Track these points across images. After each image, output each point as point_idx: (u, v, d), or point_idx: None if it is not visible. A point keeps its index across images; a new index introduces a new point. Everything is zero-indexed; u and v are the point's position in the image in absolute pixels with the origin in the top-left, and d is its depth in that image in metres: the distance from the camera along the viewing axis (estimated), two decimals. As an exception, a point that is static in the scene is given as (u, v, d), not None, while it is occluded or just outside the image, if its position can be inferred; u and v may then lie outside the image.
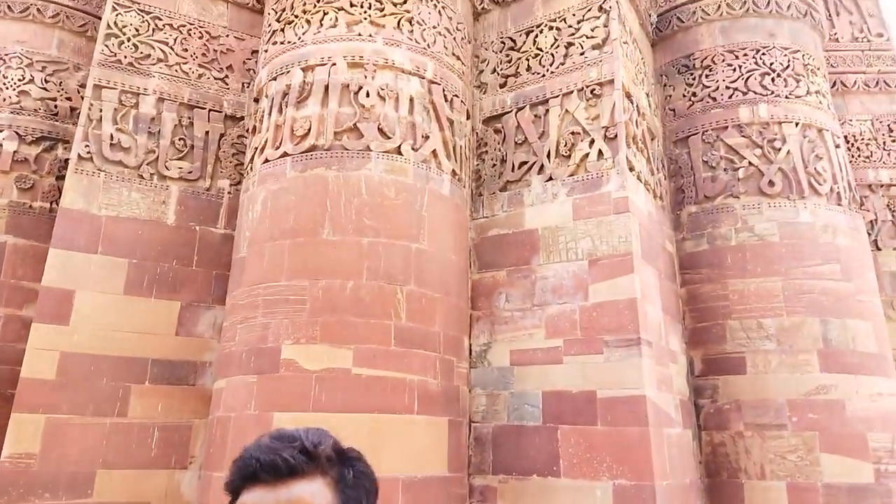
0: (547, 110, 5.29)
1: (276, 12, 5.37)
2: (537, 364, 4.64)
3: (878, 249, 6.60)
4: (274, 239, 4.52)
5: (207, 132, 5.54)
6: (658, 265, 5.10)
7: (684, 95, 6.01)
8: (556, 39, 5.46)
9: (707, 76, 5.90)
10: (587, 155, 4.96)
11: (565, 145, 5.07)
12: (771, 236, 5.30)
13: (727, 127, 5.65)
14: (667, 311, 5.06)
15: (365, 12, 5.07)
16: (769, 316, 5.10)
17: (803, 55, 5.87)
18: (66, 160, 5.68)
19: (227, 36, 5.86)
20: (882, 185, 6.89)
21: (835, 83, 7.08)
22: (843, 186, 5.53)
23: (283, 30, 5.22)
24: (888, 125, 7.10)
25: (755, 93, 5.67)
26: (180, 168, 5.36)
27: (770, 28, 5.91)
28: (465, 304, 5.03)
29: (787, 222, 5.31)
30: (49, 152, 5.95)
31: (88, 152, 5.10)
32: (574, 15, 5.43)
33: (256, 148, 5.00)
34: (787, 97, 5.63)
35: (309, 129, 4.72)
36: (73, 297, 4.72)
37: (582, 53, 5.26)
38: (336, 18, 5.06)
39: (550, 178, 5.05)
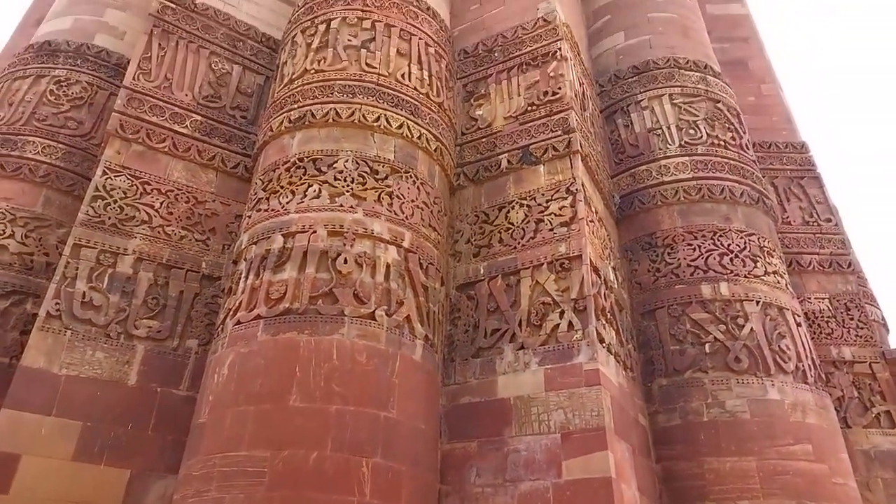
0: (518, 280, 5.46)
1: (263, 182, 5.64)
2: (509, 548, 4.35)
3: (849, 427, 6.59)
4: (238, 404, 4.38)
5: (182, 291, 5.57)
6: (632, 440, 5.00)
7: (649, 270, 6.28)
8: (526, 216, 5.77)
9: (669, 254, 6.22)
10: (558, 325, 5.04)
11: (536, 315, 5.16)
12: (742, 413, 5.30)
13: (691, 302, 5.86)
14: (643, 491, 4.88)
15: (348, 186, 5.36)
16: (746, 498, 4.95)
17: (759, 238, 6.27)
18: (34, 315, 5.59)
19: (214, 201, 6.10)
20: (846, 362, 7.04)
21: (791, 263, 7.48)
22: (807, 364, 5.65)
23: (268, 198, 5.46)
24: (845, 304, 7.42)
25: (715, 271, 5.97)
26: (149, 327, 5.30)
27: (725, 212, 6.36)
28: (434, 478, 4.80)
29: (756, 399, 5.34)
30: (18, 306, 5.87)
31: (58, 310, 5.05)
32: (543, 195, 5.79)
33: (230, 309, 5.01)
34: (746, 276, 5.92)
35: (284, 293, 4.77)
36: (17, 463, 4.44)
37: (551, 229, 5.54)
38: (319, 190, 5.33)
39: (522, 347, 5.08)
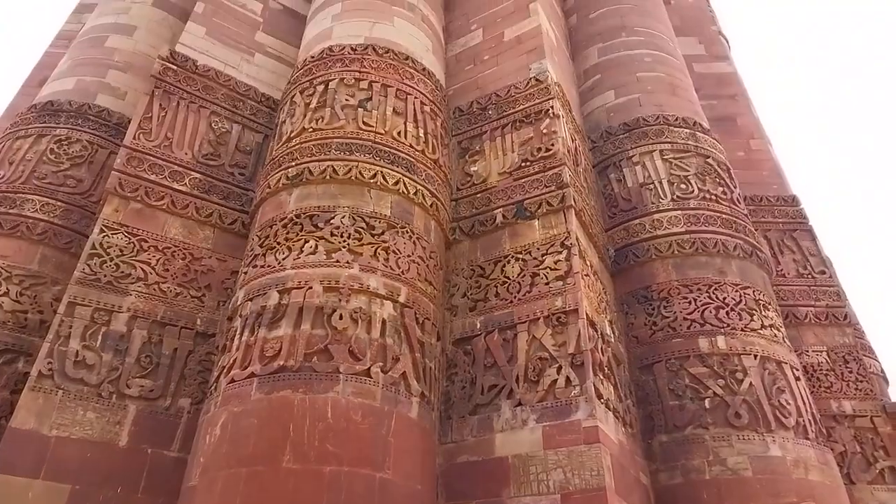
0: (515, 335, 5.43)
1: (260, 238, 5.68)
2: None
3: (853, 483, 6.47)
4: (230, 466, 4.28)
5: (176, 349, 5.52)
6: (634, 500, 4.89)
7: (645, 324, 6.27)
8: (522, 269, 5.79)
9: (665, 307, 6.22)
10: (555, 381, 4.99)
11: (534, 370, 5.12)
12: (744, 471, 5.20)
13: (689, 356, 5.82)
14: (646, 553, 4.74)
15: (344, 241, 5.39)
16: (753, 559, 4.81)
17: (754, 291, 6.29)
18: (26, 374, 5.52)
19: (210, 257, 6.12)
20: (846, 416, 6.96)
21: (787, 315, 7.48)
22: (808, 419, 5.58)
23: (264, 254, 5.49)
24: (843, 356, 7.40)
25: (712, 325, 5.96)
26: (142, 386, 5.23)
27: (720, 265, 6.40)
28: (431, 541, 4.67)
29: (758, 456, 5.25)
30: (10, 365, 5.81)
31: (50, 369, 5.00)
32: (538, 249, 5.83)
33: (224, 367, 4.96)
34: (743, 330, 5.91)
35: (279, 350, 4.74)
36: (1, 529, 4.30)
37: (547, 283, 5.55)
38: (316, 246, 5.36)
39: (520, 404, 5.02)
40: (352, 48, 6.88)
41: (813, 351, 7.41)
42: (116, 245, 5.75)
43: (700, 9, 11.34)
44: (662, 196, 6.92)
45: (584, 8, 9.42)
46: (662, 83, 8.14)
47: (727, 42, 11.13)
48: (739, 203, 7.15)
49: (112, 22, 8.61)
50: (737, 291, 6.20)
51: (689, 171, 7.13)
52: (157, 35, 8.47)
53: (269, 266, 5.36)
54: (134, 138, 6.34)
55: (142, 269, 5.73)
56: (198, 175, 6.46)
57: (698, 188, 6.97)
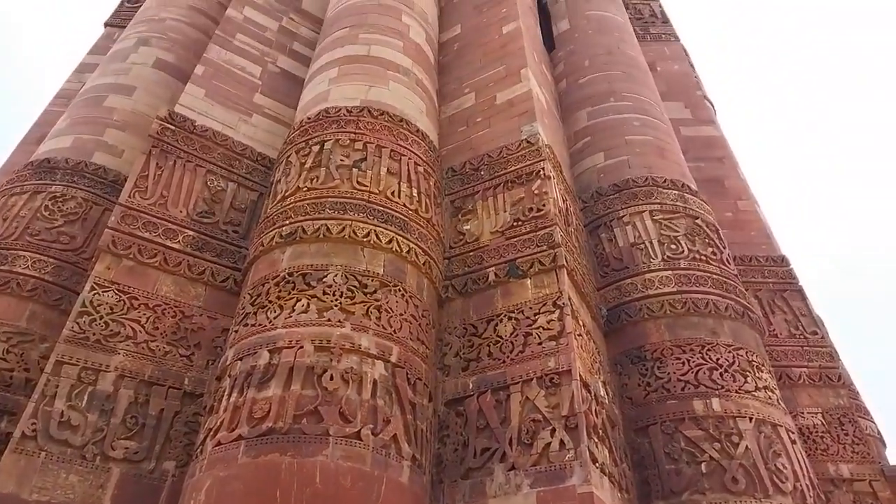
0: (508, 396, 5.37)
1: (252, 297, 5.66)
2: None
3: (856, 551, 6.31)
4: (214, 534, 4.15)
5: (162, 410, 5.40)
6: (630, 569, 4.74)
7: (639, 385, 6.21)
8: (515, 329, 5.77)
9: (659, 368, 6.19)
10: (549, 444, 4.90)
11: (527, 433, 5.03)
12: (743, 538, 5.07)
13: (684, 419, 5.75)
14: None
15: (336, 300, 5.38)
16: None
17: (746, 352, 6.28)
18: (9, 434, 5.38)
19: (201, 315, 6.07)
20: (844, 480, 6.84)
21: (781, 376, 7.43)
22: (805, 483, 5.48)
23: (255, 313, 5.46)
24: (838, 418, 7.33)
25: (706, 386, 5.91)
26: (126, 448, 5.09)
27: (712, 326, 6.40)
28: None
29: (756, 523, 5.13)
30: (-9, 425, 5.67)
31: (34, 430, 4.87)
32: (531, 308, 5.83)
33: (210, 429, 4.85)
34: (737, 392, 5.87)
35: (268, 411, 4.65)
36: None
37: (540, 343, 5.53)
38: (308, 304, 5.34)
39: (513, 468, 4.91)
40: (348, 110, 7.04)
41: (808, 413, 7.34)
42: (107, 303, 5.71)
43: (686, 75, 11.73)
44: (653, 256, 6.99)
45: (573, 74, 9.72)
46: (651, 146, 8.34)
47: (713, 107, 11.47)
48: (729, 263, 7.22)
49: (112, 82, 8.80)
50: (730, 352, 6.19)
51: (678, 231, 7.22)
52: (156, 95, 8.65)
53: (260, 325, 5.32)
54: (129, 196, 6.39)
55: (131, 327, 5.67)
56: (192, 232, 6.48)
57: (688, 248, 7.05)
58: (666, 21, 12.71)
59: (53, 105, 10.70)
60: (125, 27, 10.54)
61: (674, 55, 12.01)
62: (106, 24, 12.33)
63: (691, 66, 12.16)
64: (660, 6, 12.98)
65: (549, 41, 10.45)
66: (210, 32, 9.33)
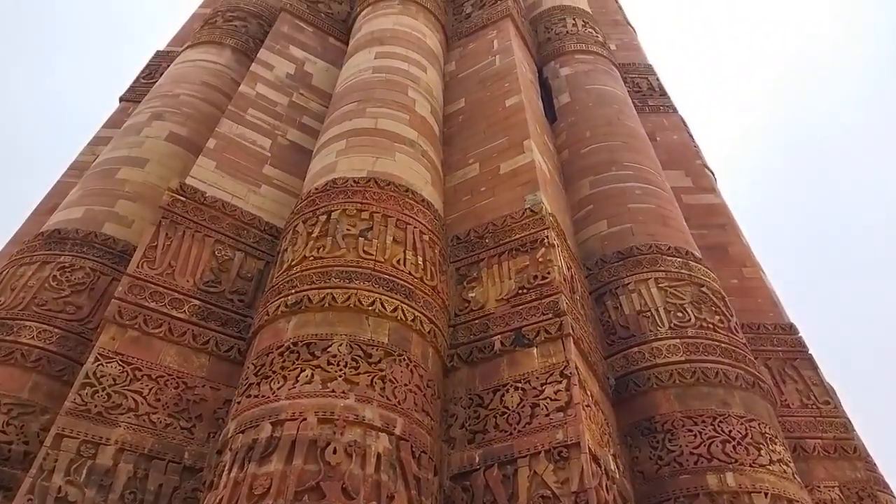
0: (516, 470, 5.23)
1: (256, 367, 5.62)
2: None
3: None
4: None
5: (161, 485, 5.29)
6: None
7: (650, 458, 6.05)
8: (521, 399, 5.68)
9: (670, 440, 6.04)
10: (559, 522, 4.74)
11: (536, 511, 4.87)
12: None
13: (698, 494, 5.55)
14: None
15: (341, 370, 5.34)
16: None
17: (759, 423, 6.13)
18: (3, 510, 5.26)
19: (204, 386, 6.02)
20: (867, 559, 6.55)
21: (795, 448, 7.21)
22: (827, 564, 5.25)
23: (259, 384, 5.40)
24: (857, 492, 7.07)
25: (720, 460, 5.74)
26: (123, 526, 4.96)
27: (722, 396, 6.28)
28: None
29: None
30: (-14, 501, 5.53)
31: (28, 507, 4.76)
32: (538, 378, 5.76)
33: (209, 508, 4.73)
34: (751, 465, 5.69)
35: (269, 488, 4.54)
36: None
37: (547, 415, 5.43)
38: (312, 375, 5.30)
39: (522, 547, 4.74)
40: (355, 180, 7.18)
41: (825, 486, 7.09)
42: (110, 374, 5.67)
43: (685, 144, 11.95)
44: (660, 324, 6.93)
45: (574, 144, 9.93)
46: (653, 214, 8.42)
47: (713, 175, 11.63)
48: (737, 332, 7.15)
49: (125, 155, 9.02)
50: (742, 424, 6.04)
51: (684, 299, 7.19)
52: (168, 167, 8.84)
53: (263, 396, 5.26)
54: (138, 266, 6.46)
55: (133, 399, 5.61)
56: (197, 302, 6.51)
57: (695, 316, 7.00)
58: (664, 94, 13.05)
59: (67, 176, 10.92)
60: (140, 102, 10.87)
61: (672, 126, 12.27)
62: (121, 99, 12.70)
63: (690, 135, 12.40)
64: (657, 80, 13.36)
65: (551, 112, 10.73)
66: (223, 106, 9.62)
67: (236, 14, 11.94)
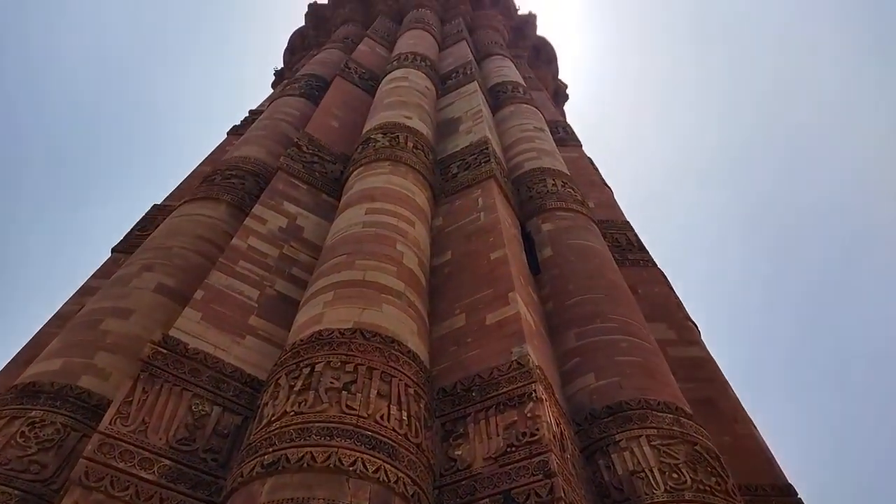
0: None
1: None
2: None
3: None
4: None
5: None
6: None
7: None
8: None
9: None
10: None
11: None
12: None
13: None
14: None
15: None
16: None
17: None
18: None
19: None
20: None
21: None
22: None
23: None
24: None
25: None
26: None
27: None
28: None
29: None
30: None
31: None
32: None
33: None
34: None
35: None
36: None
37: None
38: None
39: None
40: (340, 332, 7.15)
41: None
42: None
43: (667, 296, 12.19)
44: (655, 486, 6.61)
45: (558, 296, 10.08)
46: (640, 367, 8.36)
47: (697, 327, 11.74)
48: (735, 495, 6.82)
49: (111, 306, 8.97)
50: None
51: (678, 458, 6.92)
52: (153, 319, 8.77)
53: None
54: (110, 423, 6.20)
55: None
56: (168, 462, 6.17)
57: (691, 478, 6.70)
58: (642, 248, 13.54)
59: (49, 326, 10.76)
60: (132, 253, 11.03)
61: (652, 278, 12.58)
62: (113, 250, 12.83)
63: (671, 288, 12.69)
64: (635, 235, 13.92)
65: (535, 265, 11.00)
66: (214, 258, 9.77)
67: (234, 172, 12.52)
